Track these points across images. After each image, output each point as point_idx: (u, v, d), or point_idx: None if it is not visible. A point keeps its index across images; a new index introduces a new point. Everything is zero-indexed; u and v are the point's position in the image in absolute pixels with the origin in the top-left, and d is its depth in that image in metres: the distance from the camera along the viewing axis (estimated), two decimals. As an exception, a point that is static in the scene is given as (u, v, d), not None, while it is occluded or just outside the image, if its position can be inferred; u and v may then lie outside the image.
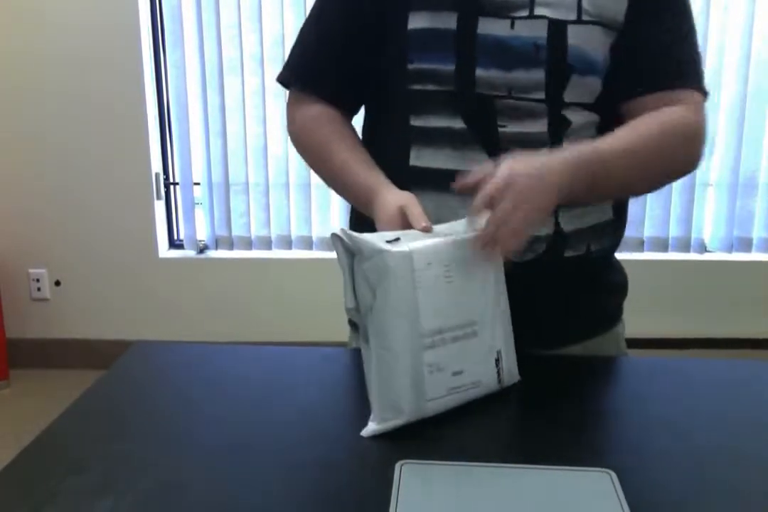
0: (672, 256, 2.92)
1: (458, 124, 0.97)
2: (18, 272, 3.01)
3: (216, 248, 3.02)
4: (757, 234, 2.92)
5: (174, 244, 3.09)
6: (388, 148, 1.04)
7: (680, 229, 2.91)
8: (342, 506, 0.67)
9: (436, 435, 0.79)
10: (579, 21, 0.95)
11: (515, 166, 0.81)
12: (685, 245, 2.93)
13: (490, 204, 0.79)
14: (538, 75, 0.95)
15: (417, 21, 0.97)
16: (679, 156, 0.98)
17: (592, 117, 0.99)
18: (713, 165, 2.87)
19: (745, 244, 2.94)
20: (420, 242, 0.80)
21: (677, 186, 2.86)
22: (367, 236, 0.79)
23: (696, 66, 1.01)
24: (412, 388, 0.79)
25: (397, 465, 0.72)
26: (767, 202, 2.89)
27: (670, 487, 0.69)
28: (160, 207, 2.99)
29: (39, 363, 3.00)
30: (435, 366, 0.80)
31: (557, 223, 0.98)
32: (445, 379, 0.81)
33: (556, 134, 0.97)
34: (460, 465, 0.72)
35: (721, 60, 2.76)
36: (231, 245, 3.00)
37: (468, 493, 0.67)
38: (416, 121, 1.00)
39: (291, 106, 1.09)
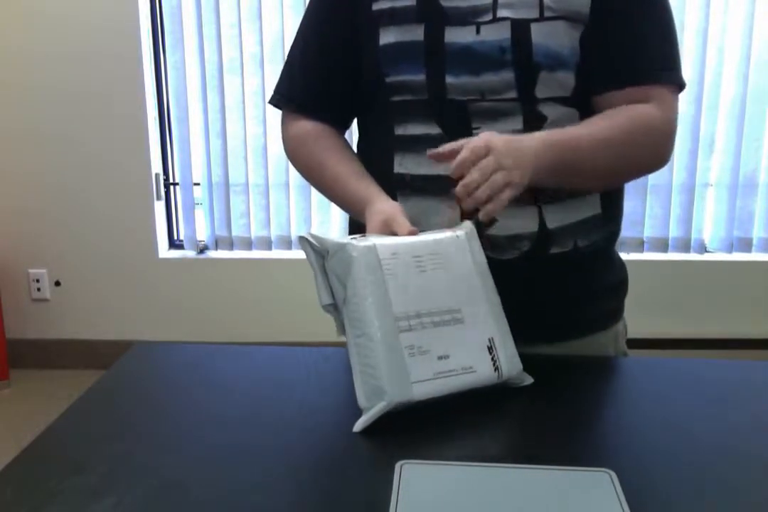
0: (672, 256, 2.93)
1: (435, 130, 1.00)
2: (18, 272, 3.01)
3: (216, 248, 3.02)
4: (757, 234, 2.92)
5: (174, 244, 3.09)
6: (376, 157, 1.07)
7: (680, 229, 2.91)
8: (342, 506, 0.67)
9: (436, 435, 0.79)
10: (542, 18, 0.95)
11: (492, 136, 0.87)
12: (685, 245, 2.93)
13: (468, 167, 0.84)
14: (508, 76, 0.97)
15: (387, 36, 1.00)
16: (647, 151, 0.99)
17: (569, 111, 1.00)
18: (713, 165, 2.87)
19: (745, 244, 2.94)
20: (386, 239, 0.85)
21: (677, 186, 2.86)
22: (333, 237, 0.84)
23: (668, 61, 1.00)
24: (392, 370, 0.80)
25: (397, 465, 0.72)
26: (767, 202, 2.89)
27: (670, 487, 0.69)
28: (160, 207, 2.99)
29: (39, 364, 3.00)
30: (416, 349, 0.81)
31: (542, 220, 0.99)
32: (430, 363, 0.82)
33: (533, 130, 0.97)
34: (460, 465, 0.72)
35: (721, 60, 2.75)
36: (231, 245, 3.00)
37: (468, 493, 0.67)
38: (399, 130, 1.03)
39: (284, 125, 1.14)
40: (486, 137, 0.86)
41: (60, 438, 0.80)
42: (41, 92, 2.83)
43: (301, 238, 0.83)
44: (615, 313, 1.12)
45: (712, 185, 2.90)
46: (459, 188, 0.84)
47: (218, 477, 0.71)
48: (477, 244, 0.90)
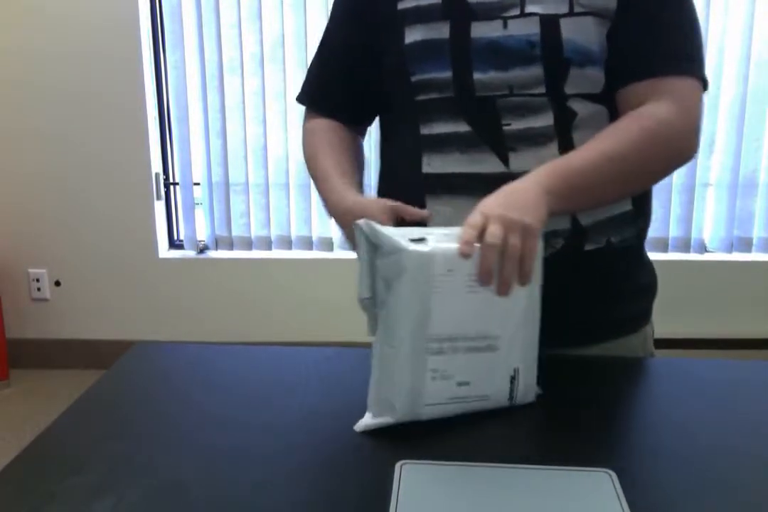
0: (672, 255, 2.93)
1: (463, 127, 0.98)
2: (18, 272, 3.01)
3: (216, 248, 3.02)
4: (757, 234, 2.92)
5: (174, 244, 3.09)
6: (402, 159, 1.07)
7: (680, 229, 2.91)
8: (342, 506, 0.67)
9: (436, 435, 0.79)
10: (571, 13, 0.95)
11: (485, 201, 0.81)
12: (685, 245, 2.93)
13: (478, 239, 0.76)
14: (537, 71, 0.95)
15: (412, 35, 0.99)
16: (665, 153, 0.95)
17: (598, 108, 0.98)
18: (713, 165, 2.87)
19: (745, 244, 2.94)
20: (446, 245, 0.76)
21: (677, 186, 2.86)
22: (391, 231, 0.78)
23: (691, 54, 0.98)
24: (409, 390, 0.78)
25: (397, 465, 0.72)
26: (767, 202, 2.89)
27: (670, 487, 0.69)
28: (160, 207, 2.99)
29: (39, 363, 3.00)
30: (439, 373, 0.79)
31: (574, 217, 0.98)
32: (449, 388, 0.80)
33: (563, 127, 0.97)
34: (460, 465, 0.72)
35: (721, 60, 2.75)
36: (231, 245, 3.00)
37: (468, 493, 0.67)
38: (425, 130, 1.02)
39: (305, 120, 1.17)
40: (480, 207, 0.80)
41: (60, 438, 0.80)
42: (41, 92, 2.83)
43: (356, 226, 0.78)
44: (645, 314, 1.12)
45: (712, 185, 2.90)
46: (481, 276, 0.75)
47: (218, 477, 0.71)
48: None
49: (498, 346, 0.81)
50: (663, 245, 2.92)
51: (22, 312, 3.02)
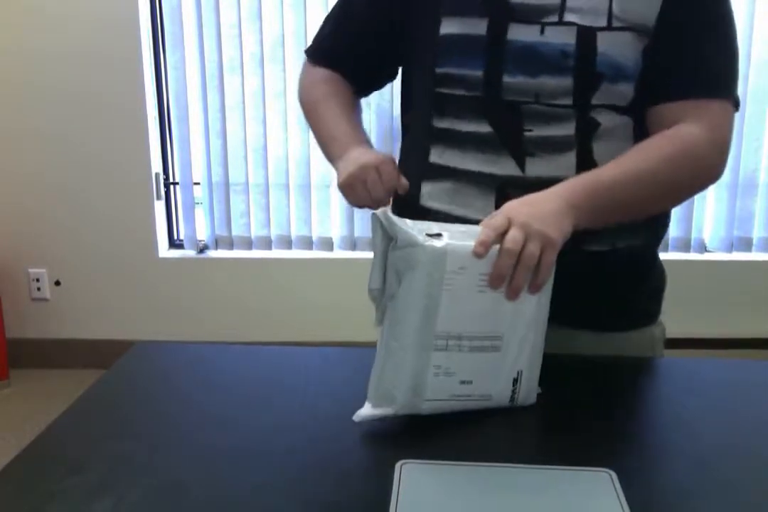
0: (672, 255, 2.92)
1: (485, 128, 0.98)
2: (18, 272, 3.01)
3: (216, 248, 3.02)
4: (757, 234, 2.92)
5: (174, 243, 3.09)
6: (411, 143, 1.08)
7: (680, 229, 2.91)
8: (342, 506, 0.67)
9: (436, 435, 0.79)
10: (609, 27, 0.94)
11: (512, 206, 0.81)
12: (685, 245, 2.93)
13: (493, 235, 0.77)
14: (566, 82, 0.95)
15: (448, 26, 0.98)
16: (692, 174, 0.95)
17: (624, 120, 0.98)
18: (713, 165, 2.87)
19: (745, 244, 2.94)
20: (461, 242, 0.76)
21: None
22: (408, 224, 0.77)
23: (727, 77, 0.98)
24: (411, 384, 0.79)
25: (397, 465, 0.72)
26: (767, 202, 2.89)
27: (670, 487, 0.69)
28: (160, 207, 2.99)
29: (39, 363, 3.00)
30: (443, 370, 0.79)
31: None
32: (451, 385, 0.80)
33: (585, 136, 0.96)
34: (460, 465, 0.72)
35: (721, 60, 2.75)
36: (231, 245, 3.00)
37: (468, 493, 0.67)
38: (441, 123, 1.01)
39: (303, 72, 1.17)
40: (505, 210, 0.80)
41: (60, 438, 0.80)
42: (41, 92, 2.83)
43: (373, 216, 0.77)
44: (652, 314, 1.11)
45: (711, 185, 2.90)
46: (493, 279, 0.76)
47: (217, 477, 0.71)
48: None
49: (503, 347, 0.80)
50: (663, 245, 2.88)
51: (22, 312, 3.02)
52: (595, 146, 0.97)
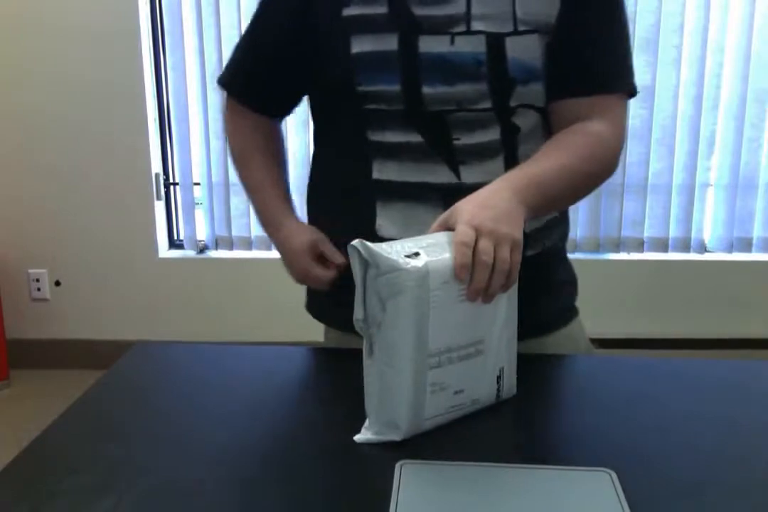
0: (672, 256, 2.92)
1: (416, 138, 0.99)
2: (18, 272, 3.01)
3: (216, 248, 3.02)
4: (757, 234, 2.92)
5: (174, 244, 3.09)
6: (346, 162, 1.06)
7: (680, 229, 2.91)
8: (342, 506, 0.67)
9: (436, 435, 0.79)
10: (516, 32, 0.96)
11: (470, 213, 0.80)
12: (685, 245, 2.93)
13: (470, 254, 0.76)
14: (482, 88, 0.97)
15: (360, 45, 0.97)
16: (603, 169, 1.00)
17: (539, 119, 1.01)
18: (713, 165, 2.87)
19: (745, 244, 2.94)
20: (438, 258, 0.75)
21: (677, 186, 2.86)
22: (384, 249, 0.76)
23: (625, 69, 1.02)
24: (411, 407, 0.78)
25: (397, 465, 0.72)
26: (767, 202, 2.89)
27: (670, 487, 0.69)
28: (160, 207, 2.99)
29: (39, 364, 3.00)
30: (438, 386, 0.78)
31: None
32: (446, 398, 0.80)
33: (509, 141, 0.99)
34: (460, 465, 0.72)
35: (721, 60, 2.75)
36: (231, 245, 3.00)
37: (468, 493, 0.67)
38: (374, 136, 1.01)
39: (228, 110, 1.16)
40: (466, 217, 0.79)
41: (60, 438, 0.80)
42: (41, 92, 2.83)
43: (350, 246, 0.75)
44: (573, 308, 1.14)
45: (712, 185, 2.90)
46: (472, 293, 0.76)
47: (217, 477, 0.71)
48: None
49: (485, 350, 0.81)
50: (663, 245, 2.92)
51: (22, 312, 3.02)
52: (520, 149, 1.00)
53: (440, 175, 0.99)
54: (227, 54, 2.78)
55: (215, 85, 1.17)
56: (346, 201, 1.05)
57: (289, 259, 1.11)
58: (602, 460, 0.73)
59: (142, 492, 0.68)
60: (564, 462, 0.72)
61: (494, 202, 0.82)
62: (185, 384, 0.94)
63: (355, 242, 0.75)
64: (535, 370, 0.93)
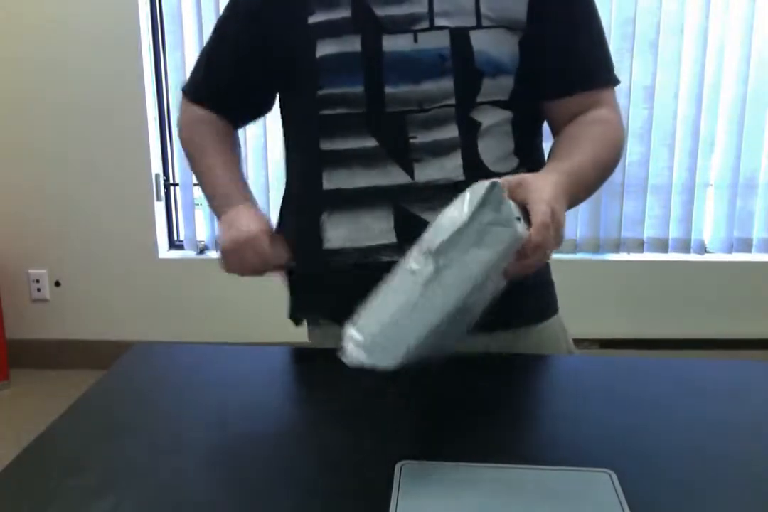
0: (672, 256, 2.92)
1: (370, 142, 0.99)
2: (18, 273, 3.01)
3: (216, 248, 3.02)
4: (757, 234, 2.92)
5: (174, 244, 3.09)
6: (301, 172, 1.08)
7: (680, 230, 2.91)
8: (342, 506, 0.67)
9: (436, 435, 0.79)
10: (479, 26, 0.96)
11: (546, 189, 0.80)
12: (685, 246, 2.93)
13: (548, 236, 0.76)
14: (448, 84, 0.96)
15: (324, 48, 0.98)
16: (617, 158, 1.01)
17: (505, 114, 1.00)
18: (713, 165, 2.87)
19: (745, 245, 2.94)
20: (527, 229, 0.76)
21: (677, 186, 2.86)
22: (511, 203, 0.75)
23: (607, 63, 1.04)
24: (417, 344, 0.73)
25: (397, 465, 0.72)
26: (767, 202, 2.89)
27: (670, 487, 0.69)
28: (160, 208, 2.99)
29: (39, 364, 3.00)
30: (440, 335, 0.75)
31: None
32: (435, 342, 0.76)
33: (468, 136, 0.98)
34: (460, 465, 0.72)
35: (721, 60, 2.75)
36: (231, 245, 2.99)
37: (468, 493, 0.67)
38: (325, 145, 1.01)
39: (182, 110, 1.17)
40: (545, 197, 0.78)
41: (60, 438, 0.80)
42: (41, 93, 2.83)
43: (484, 183, 0.73)
44: (551, 306, 1.12)
45: (712, 185, 2.90)
46: (525, 268, 0.77)
47: (217, 478, 0.71)
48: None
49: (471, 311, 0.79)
50: (663, 246, 2.92)
51: (22, 312, 3.02)
52: (480, 144, 0.99)
53: (393, 176, 0.98)
54: (227, 54, 2.80)
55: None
56: (300, 216, 1.07)
57: (243, 240, 1.04)
58: (602, 460, 0.73)
59: (142, 492, 0.68)
60: (564, 463, 0.72)
61: (556, 187, 0.82)
62: (185, 384, 0.94)
63: (498, 180, 0.74)
64: (536, 371, 0.93)
